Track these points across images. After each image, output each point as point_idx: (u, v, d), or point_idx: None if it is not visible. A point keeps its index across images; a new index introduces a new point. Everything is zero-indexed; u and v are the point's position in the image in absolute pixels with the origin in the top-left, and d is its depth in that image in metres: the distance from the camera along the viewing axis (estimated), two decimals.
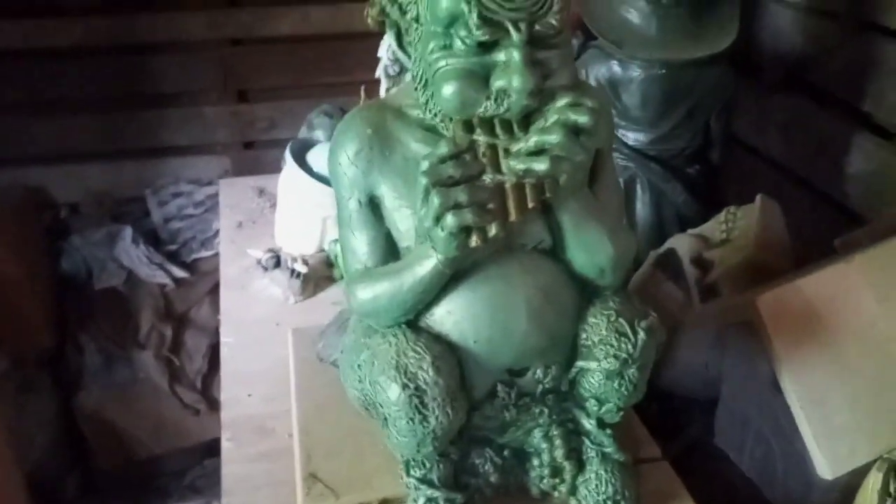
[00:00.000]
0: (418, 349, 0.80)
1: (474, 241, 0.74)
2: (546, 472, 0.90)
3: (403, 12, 0.80)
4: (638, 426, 1.03)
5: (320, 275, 1.60)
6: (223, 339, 1.48)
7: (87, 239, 2.50)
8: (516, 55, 0.73)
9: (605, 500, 0.89)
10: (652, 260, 1.27)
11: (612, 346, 0.83)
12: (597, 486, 0.90)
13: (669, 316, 1.06)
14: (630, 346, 0.83)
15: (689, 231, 1.33)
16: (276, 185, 1.98)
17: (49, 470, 2.18)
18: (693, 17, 1.29)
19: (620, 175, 1.18)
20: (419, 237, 0.81)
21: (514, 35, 0.72)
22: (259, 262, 1.59)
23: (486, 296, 0.82)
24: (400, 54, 0.82)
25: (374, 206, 0.85)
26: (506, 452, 0.91)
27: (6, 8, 2.32)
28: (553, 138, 0.74)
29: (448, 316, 0.83)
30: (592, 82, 1.33)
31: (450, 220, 0.73)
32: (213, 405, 2.39)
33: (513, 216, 0.75)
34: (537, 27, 0.73)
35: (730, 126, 1.48)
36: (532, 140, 0.74)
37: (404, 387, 0.79)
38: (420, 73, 0.80)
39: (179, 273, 2.48)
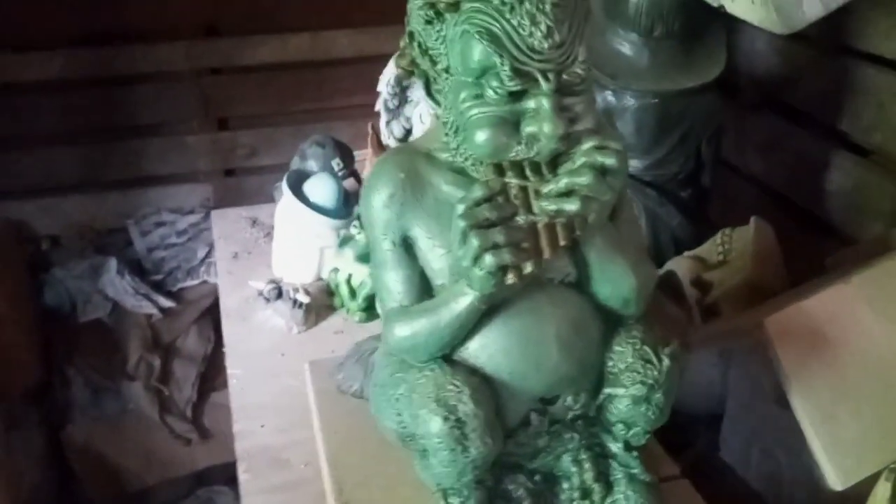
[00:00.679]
0: (456, 382, 0.83)
1: (510, 278, 0.78)
2: (576, 494, 0.94)
3: (434, 63, 0.83)
4: (654, 445, 1.07)
5: (321, 304, 1.62)
6: (230, 370, 1.49)
7: (70, 271, 2.50)
8: (546, 103, 0.77)
9: None
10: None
11: (638, 372, 0.87)
12: None
13: (674, 335, 1.10)
14: (655, 372, 0.87)
15: (686, 253, 1.38)
16: (269, 215, 2.00)
17: None
18: (683, 48, 1.34)
19: None
20: (453, 275, 0.85)
21: (544, 85, 0.76)
22: (261, 293, 1.61)
23: (518, 329, 0.86)
24: (430, 102, 0.85)
25: (407, 246, 0.88)
26: (537, 477, 0.95)
27: None
28: (583, 180, 0.78)
29: (482, 350, 0.87)
30: None
31: (488, 260, 0.76)
32: (204, 434, 2.39)
33: (546, 254, 0.78)
34: (564, 76, 0.78)
35: (720, 150, 1.54)
36: (562, 182, 0.78)
37: (445, 419, 0.82)
38: (451, 120, 0.83)
39: (165, 303, 2.48)
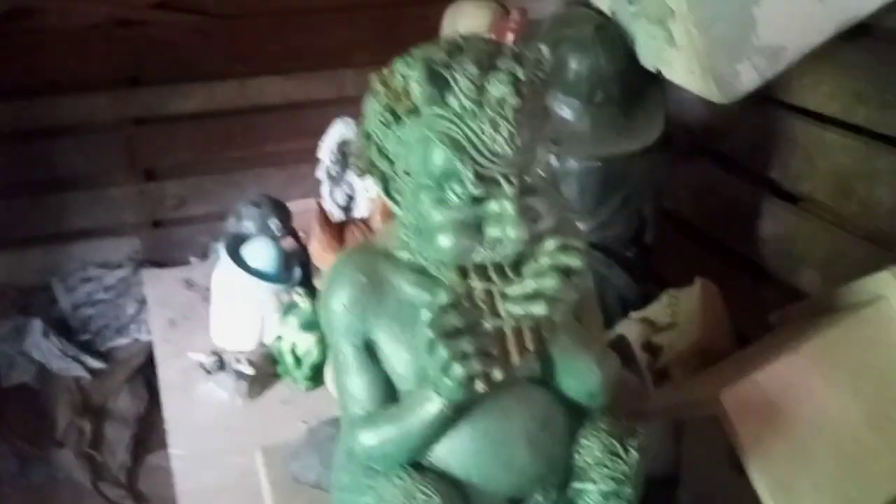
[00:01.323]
0: (426, 490, 0.81)
1: (480, 386, 0.76)
2: None
3: (392, 164, 0.82)
4: None
5: (265, 373, 1.58)
6: (172, 450, 1.44)
7: None
8: (509, 207, 0.76)
9: None
10: None
11: (606, 467, 0.87)
12: None
13: (627, 402, 1.11)
14: (624, 466, 0.87)
15: (634, 315, 1.39)
16: (203, 276, 1.96)
17: None
18: (623, 112, 1.36)
19: None
20: (419, 380, 0.83)
21: (507, 189, 0.76)
22: (202, 365, 1.56)
23: (486, 431, 0.85)
24: (387, 200, 0.84)
25: (370, 350, 0.86)
26: None
27: None
28: (549, 283, 0.77)
29: (450, 454, 0.85)
30: None
31: (458, 370, 0.75)
32: (140, 499, 2.31)
33: (515, 360, 0.77)
34: (526, 178, 0.77)
35: (661, 208, 1.56)
36: (529, 285, 0.78)
37: None
38: (412, 221, 0.82)
39: (95, 363, 2.40)
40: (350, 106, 2.70)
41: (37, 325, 2.38)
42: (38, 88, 2.40)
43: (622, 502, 0.88)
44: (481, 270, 0.79)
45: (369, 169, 0.84)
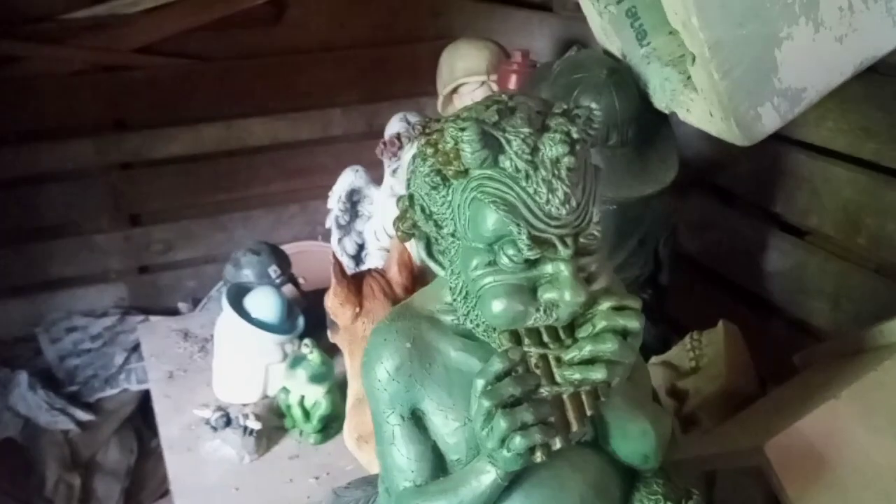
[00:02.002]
0: None
1: (539, 456, 0.73)
2: None
3: (439, 227, 0.79)
4: None
5: (271, 426, 1.54)
6: None
7: None
8: (565, 269, 0.73)
9: None
10: None
11: None
12: None
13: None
14: None
15: (655, 359, 1.37)
16: (199, 326, 1.92)
17: None
18: (637, 155, 1.34)
19: None
20: (470, 449, 0.80)
21: (562, 250, 0.73)
22: (207, 422, 1.51)
23: (541, 500, 0.81)
24: (431, 264, 0.81)
25: (416, 419, 0.82)
26: None
27: None
28: (607, 346, 0.74)
29: None
30: None
31: (518, 441, 0.72)
32: None
33: (574, 427, 0.74)
34: (581, 239, 0.74)
35: (676, 250, 1.55)
36: (586, 349, 0.75)
37: None
38: (460, 285, 0.79)
39: (83, 416, 2.33)
40: (337, 145, 2.71)
41: (22, 377, 2.32)
42: (22, 135, 2.37)
43: None
44: (534, 335, 0.76)
45: (412, 231, 0.81)
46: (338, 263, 1.29)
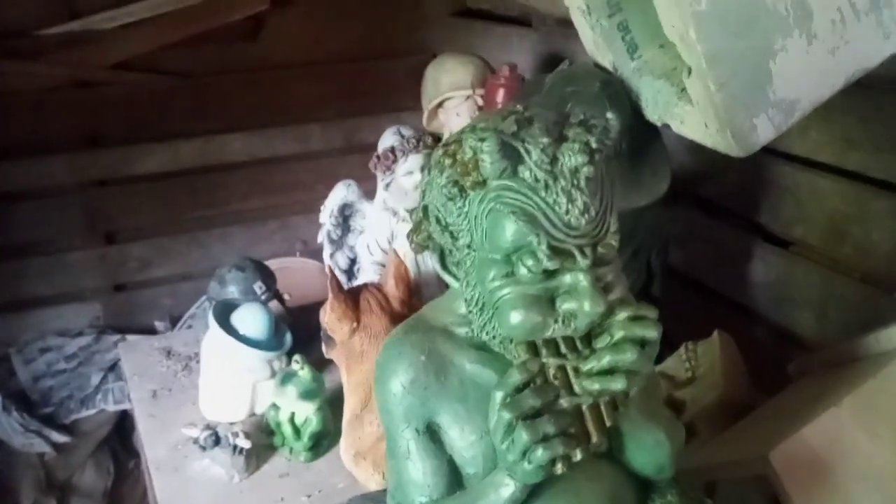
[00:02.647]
0: None
1: (559, 468, 0.73)
2: None
3: (455, 238, 0.78)
4: None
5: (260, 444, 1.51)
6: None
7: None
8: (584, 279, 0.73)
9: None
10: None
11: None
12: None
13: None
14: None
15: None
16: (182, 344, 1.89)
17: None
18: (630, 167, 1.35)
19: None
20: (487, 462, 0.79)
21: (581, 260, 0.73)
22: (196, 441, 1.49)
23: None
24: (445, 275, 0.80)
25: (432, 433, 0.81)
26: None
27: None
28: (627, 357, 0.74)
29: None
30: None
31: (540, 454, 0.71)
32: None
33: (594, 438, 0.74)
34: (600, 249, 0.74)
35: (668, 260, 1.56)
36: (605, 359, 0.74)
37: None
38: (476, 297, 0.78)
39: (59, 438, 2.29)
40: (316, 161, 2.70)
41: None
42: None
43: None
44: (551, 346, 0.76)
45: (426, 243, 0.80)
46: (334, 278, 1.27)
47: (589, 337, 0.77)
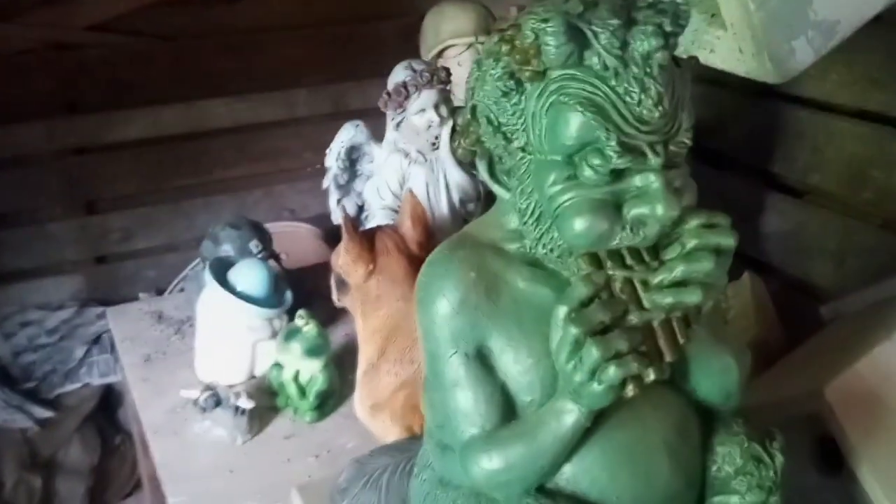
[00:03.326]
0: None
1: (631, 390, 0.66)
2: None
3: (508, 141, 0.71)
4: None
5: (263, 406, 1.44)
6: (172, 500, 1.28)
7: None
8: (656, 181, 0.66)
9: None
10: None
11: (752, 475, 0.77)
12: None
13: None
14: (771, 472, 0.77)
15: None
16: (174, 308, 1.81)
17: None
18: None
19: None
20: (545, 388, 0.72)
21: (653, 159, 0.66)
22: (196, 402, 1.41)
23: (624, 444, 0.73)
24: (493, 185, 0.73)
25: (482, 357, 0.74)
26: None
27: None
28: (703, 266, 0.67)
29: (584, 473, 0.73)
30: None
31: (613, 372, 0.64)
32: None
33: (668, 356, 0.68)
34: (671, 147, 0.67)
35: None
36: (678, 269, 0.68)
37: None
38: (532, 205, 0.71)
39: (42, 413, 2.21)
40: (302, 127, 2.61)
41: None
42: None
43: None
44: (616, 257, 0.69)
45: (474, 148, 0.73)
46: (348, 218, 1.20)
47: (656, 248, 0.70)
